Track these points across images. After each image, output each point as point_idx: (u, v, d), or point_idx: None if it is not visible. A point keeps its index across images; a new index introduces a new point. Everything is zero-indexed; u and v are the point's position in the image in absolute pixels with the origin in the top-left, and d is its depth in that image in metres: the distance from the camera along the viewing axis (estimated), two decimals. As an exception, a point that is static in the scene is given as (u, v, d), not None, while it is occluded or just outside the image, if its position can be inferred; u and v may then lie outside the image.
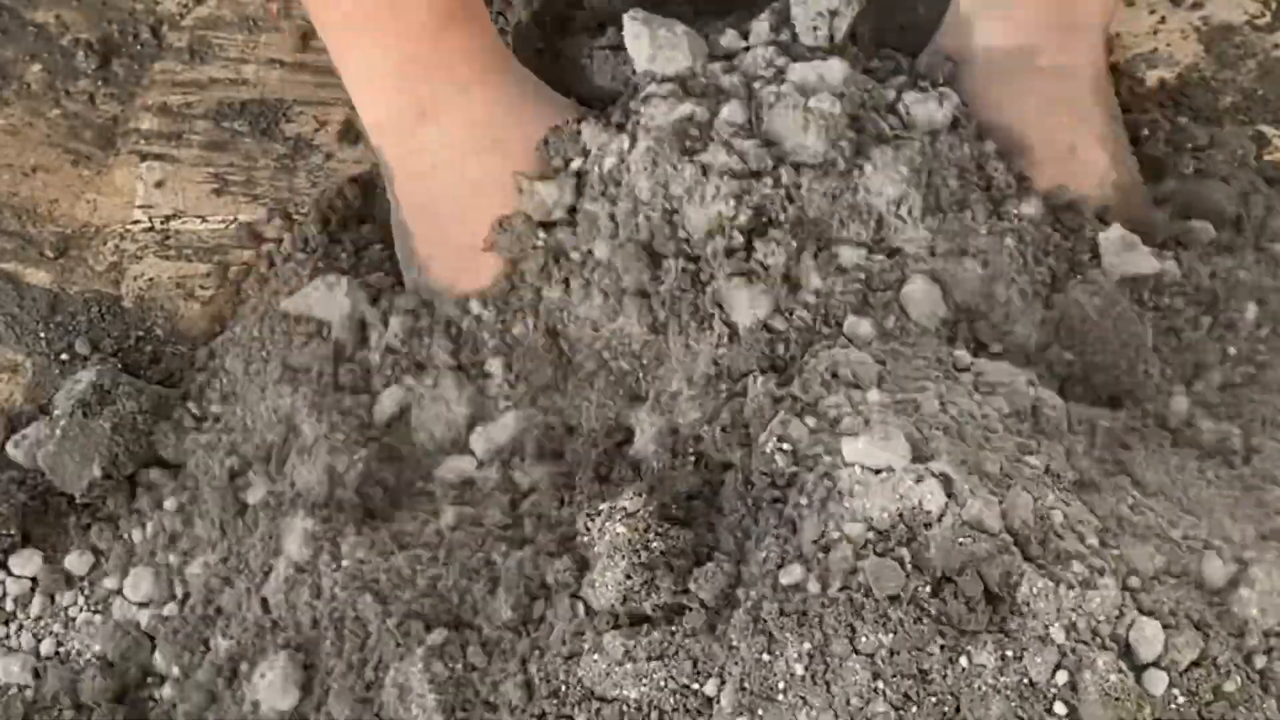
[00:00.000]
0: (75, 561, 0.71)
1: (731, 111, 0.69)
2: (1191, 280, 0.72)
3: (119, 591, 0.70)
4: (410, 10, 0.69)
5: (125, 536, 0.72)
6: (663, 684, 0.56)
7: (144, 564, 0.70)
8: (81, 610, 0.70)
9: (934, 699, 0.53)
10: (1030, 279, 0.69)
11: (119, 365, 0.76)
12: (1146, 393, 0.69)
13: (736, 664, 0.55)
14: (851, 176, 0.67)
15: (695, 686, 0.56)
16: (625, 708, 0.56)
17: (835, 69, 0.70)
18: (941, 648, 0.54)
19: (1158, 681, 0.54)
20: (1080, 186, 0.73)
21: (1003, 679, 0.54)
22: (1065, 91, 0.75)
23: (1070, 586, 0.56)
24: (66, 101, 0.83)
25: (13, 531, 0.71)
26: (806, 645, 0.55)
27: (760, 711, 0.54)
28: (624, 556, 0.58)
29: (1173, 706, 0.54)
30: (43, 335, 0.78)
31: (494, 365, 0.71)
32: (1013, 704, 0.53)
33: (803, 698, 0.54)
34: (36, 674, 0.69)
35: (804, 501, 0.57)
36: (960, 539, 0.55)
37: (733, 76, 0.71)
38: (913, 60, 0.76)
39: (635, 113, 0.70)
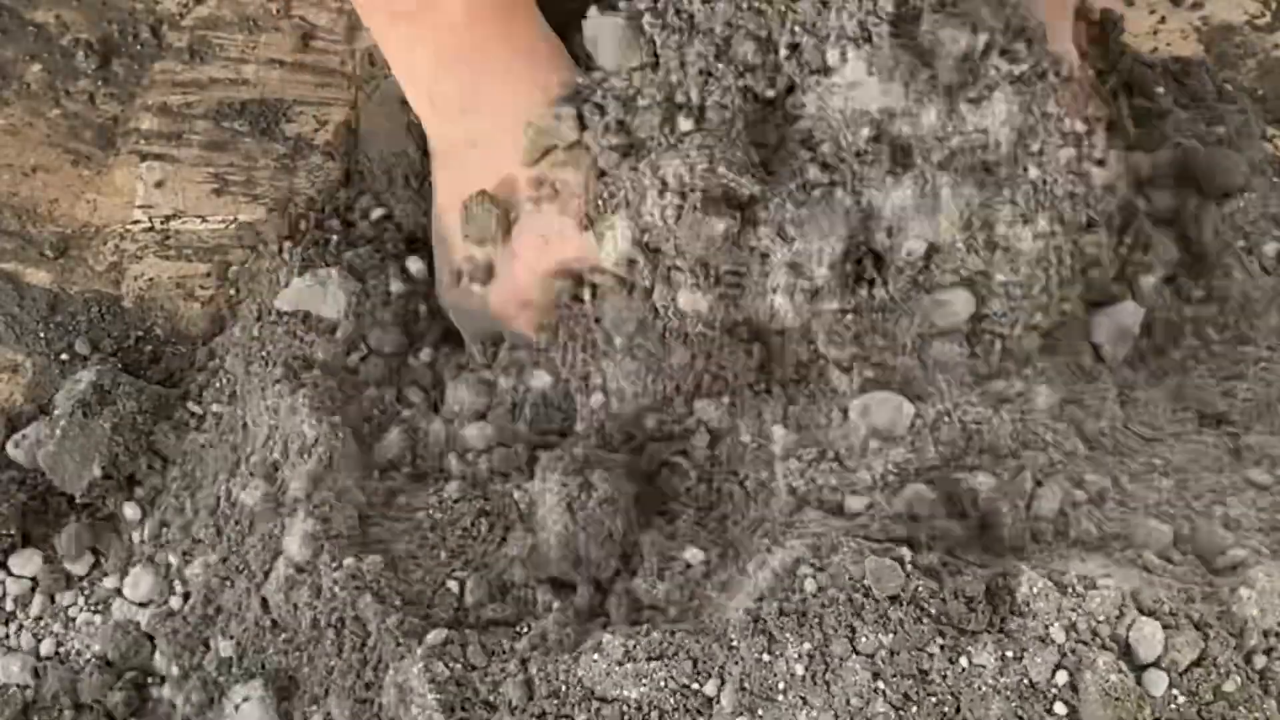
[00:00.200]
0: (75, 561, 0.71)
1: None
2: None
3: (119, 591, 0.70)
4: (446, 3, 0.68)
5: (125, 536, 0.72)
6: (663, 684, 0.56)
7: (144, 564, 0.70)
8: (81, 610, 0.70)
9: (934, 699, 0.53)
10: None
11: (119, 365, 0.76)
12: None
13: (736, 664, 0.55)
14: None
15: (695, 686, 0.56)
16: (625, 708, 0.56)
17: None
18: (941, 648, 0.54)
19: (1158, 681, 0.54)
20: None
21: (1003, 679, 0.54)
22: None
23: (1070, 588, 0.56)
24: (66, 101, 0.83)
25: (13, 531, 0.71)
26: (806, 645, 0.55)
27: (760, 711, 0.54)
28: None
29: (1173, 706, 0.54)
30: (43, 335, 0.78)
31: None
32: (1013, 704, 0.53)
33: (803, 698, 0.54)
34: (36, 674, 0.69)
35: None
36: None
37: None
38: None
39: None
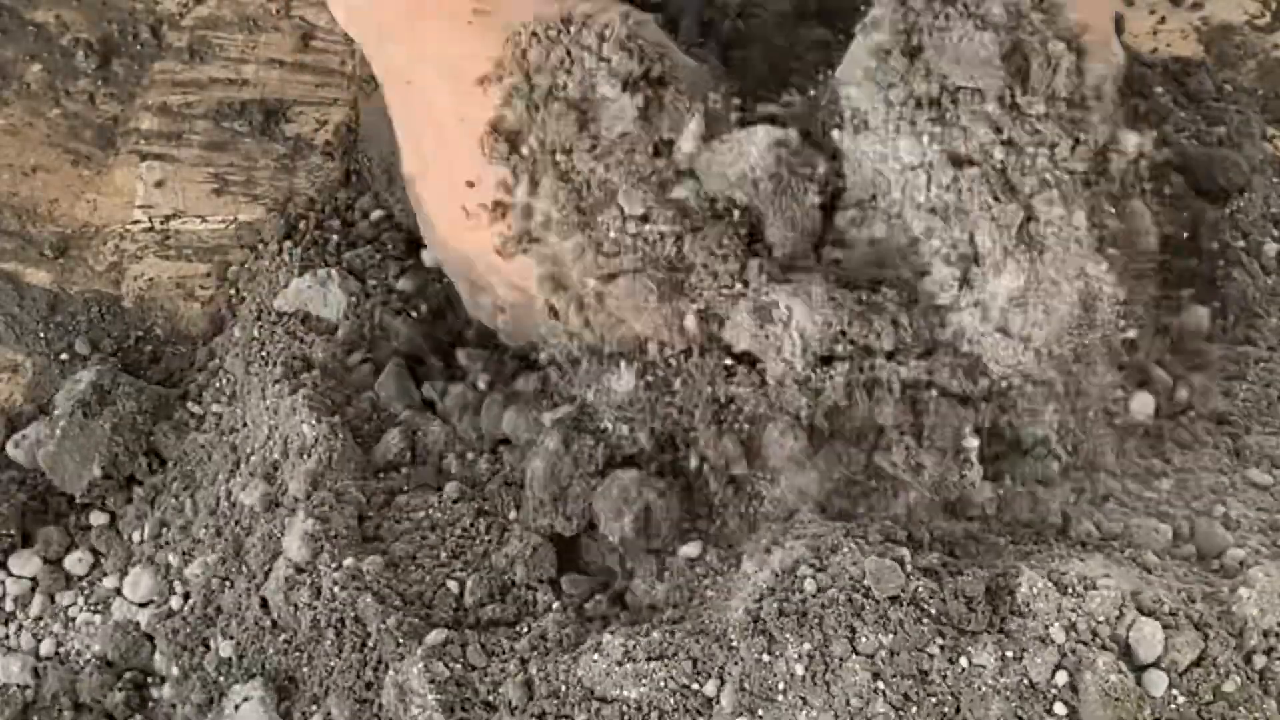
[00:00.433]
0: (75, 561, 0.71)
1: None
2: None
3: (119, 591, 0.70)
4: None
5: (125, 536, 0.72)
6: (663, 684, 0.56)
7: (144, 564, 0.70)
8: (81, 610, 0.70)
9: (934, 699, 0.53)
10: None
11: (119, 365, 0.76)
12: None
13: (736, 664, 0.55)
14: None
15: (695, 686, 0.56)
16: (625, 708, 0.56)
17: None
18: (941, 648, 0.54)
19: (1158, 682, 0.54)
20: None
21: (1003, 679, 0.54)
22: None
23: (1070, 588, 0.56)
24: (66, 101, 0.83)
25: (13, 531, 0.71)
26: (806, 645, 0.55)
27: (760, 711, 0.54)
28: None
29: (1173, 707, 0.54)
30: (43, 335, 0.78)
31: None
32: (1013, 704, 0.53)
33: (803, 698, 0.54)
34: (36, 674, 0.69)
35: None
36: None
37: None
38: None
39: None
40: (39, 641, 0.70)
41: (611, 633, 0.58)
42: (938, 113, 0.63)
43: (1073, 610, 0.55)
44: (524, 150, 0.66)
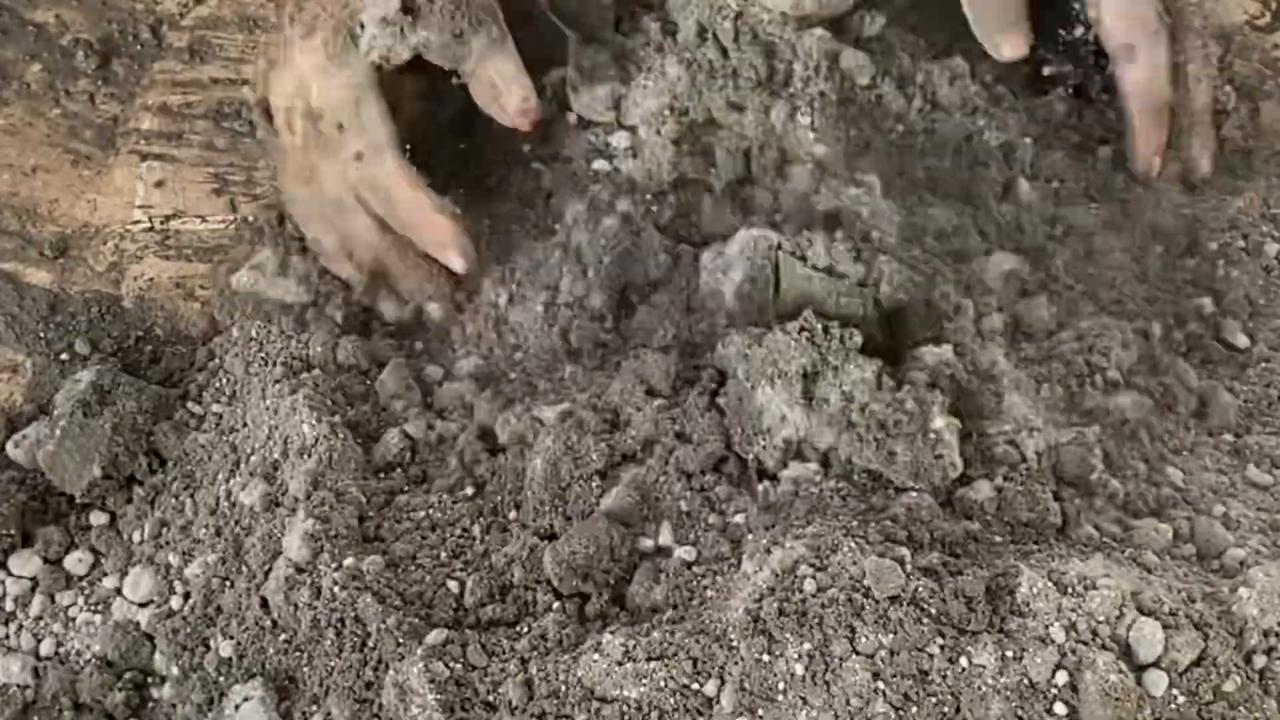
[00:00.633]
0: (75, 561, 0.71)
1: None
2: None
3: (119, 591, 0.70)
4: None
5: (125, 536, 0.72)
6: (663, 684, 0.56)
7: (144, 564, 0.70)
8: (81, 610, 0.70)
9: (934, 699, 0.53)
10: None
11: (119, 365, 0.76)
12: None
13: (736, 664, 0.55)
14: None
15: (695, 686, 0.56)
16: (625, 708, 0.56)
17: None
18: (941, 648, 0.54)
19: (1158, 681, 0.54)
20: None
21: (1003, 679, 0.54)
22: None
23: (1070, 588, 0.56)
24: (66, 101, 0.83)
25: (13, 531, 0.71)
26: (806, 645, 0.55)
27: (760, 711, 0.54)
28: None
29: (1173, 706, 0.54)
30: (43, 335, 0.78)
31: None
32: (1013, 704, 0.53)
33: (803, 698, 0.54)
34: (36, 674, 0.69)
35: None
36: None
37: None
38: None
39: None
40: (39, 641, 0.70)
41: (611, 633, 0.58)
42: None
43: (1073, 610, 0.55)
44: None
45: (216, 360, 0.76)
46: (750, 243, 0.69)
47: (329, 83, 0.73)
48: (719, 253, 0.71)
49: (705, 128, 0.75)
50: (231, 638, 0.66)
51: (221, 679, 0.65)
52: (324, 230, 0.76)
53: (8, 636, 0.70)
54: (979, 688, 0.53)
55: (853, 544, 0.57)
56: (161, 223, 0.81)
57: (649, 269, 0.73)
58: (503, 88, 0.72)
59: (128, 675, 0.67)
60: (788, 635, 0.55)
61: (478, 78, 0.72)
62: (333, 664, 0.62)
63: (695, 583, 0.61)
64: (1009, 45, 0.74)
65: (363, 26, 0.70)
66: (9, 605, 0.71)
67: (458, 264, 0.74)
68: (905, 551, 0.57)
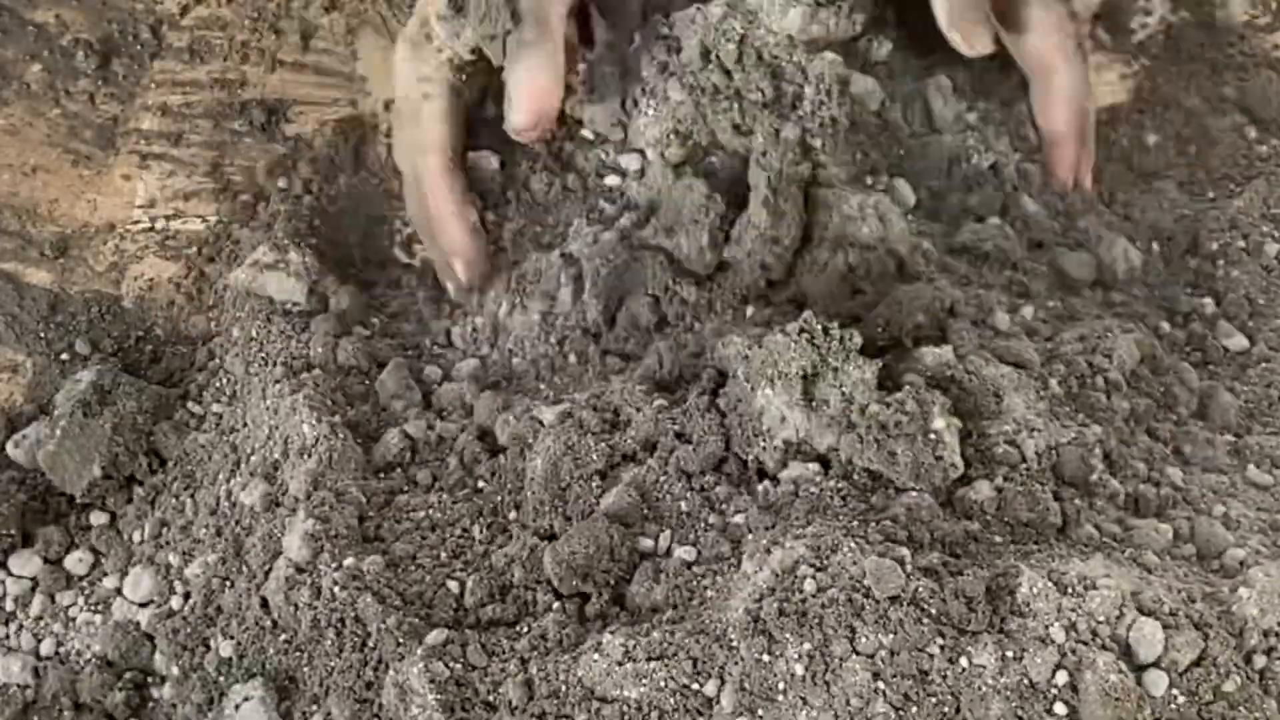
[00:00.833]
0: (75, 561, 0.71)
1: None
2: None
3: (119, 591, 0.70)
4: None
5: (125, 536, 0.72)
6: (663, 684, 0.56)
7: (144, 564, 0.70)
8: (81, 610, 0.70)
9: (934, 699, 0.53)
10: None
11: (119, 365, 0.76)
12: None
13: (736, 664, 0.55)
14: None
15: (695, 686, 0.56)
16: (625, 708, 0.56)
17: None
18: (941, 648, 0.54)
19: (1158, 681, 0.54)
20: None
21: (1003, 679, 0.54)
22: None
23: (1070, 588, 0.56)
24: (66, 101, 0.83)
25: (13, 531, 0.71)
26: (806, 645, 0.55)
27: (760, 711, 0.54)
28: None
29: (1173, 706, 0.54)
30: (43, 335, 0.78)
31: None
32: (1013, 704, 0.53)
33: (803, 698, 0.54)
34: (36, 674, 0.69)
35: None
36: None
37: None
38: None
39: None
40: (39, 641, 0.70)
41: (611, 633, 0.58)
42: None
43: (1073, 610, 0.55)
44: None
45: (216, 360, 0.76)
46: None
47: (405, 72, 0.74)
48: None
49: (711, 151, 0.75)
50: (231, 638, 0.66)
51: (221, 679, 0.65)
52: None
53: (8, 636, 0.70)
54: (979, 688, 0.53)
55: (853, 544, 0.57)
56: (161, 223, 0.81)
57: (648, 287, 0.73)
58: (511, 98, 0.71)
59: (128, 675, 0.67)
60: (788, 635, 0.55)
61: (505, 81, 0.72)
62: (333, 664, 0.62)
63: (695, 583, 0.61)
64: (976, 40, 0.73)
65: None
66: (9, 605, 0.71)
67: (455, 279, 0.76)
68: (905, 551, 0.57)
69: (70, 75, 0.84)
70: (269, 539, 0.66)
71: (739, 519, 0.63)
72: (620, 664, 0.57)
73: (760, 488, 0.64)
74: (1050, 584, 0.56)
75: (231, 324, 0.77)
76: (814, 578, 0.56)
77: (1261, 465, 0.68)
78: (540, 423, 0.68)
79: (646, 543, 0.63)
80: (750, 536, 0.62)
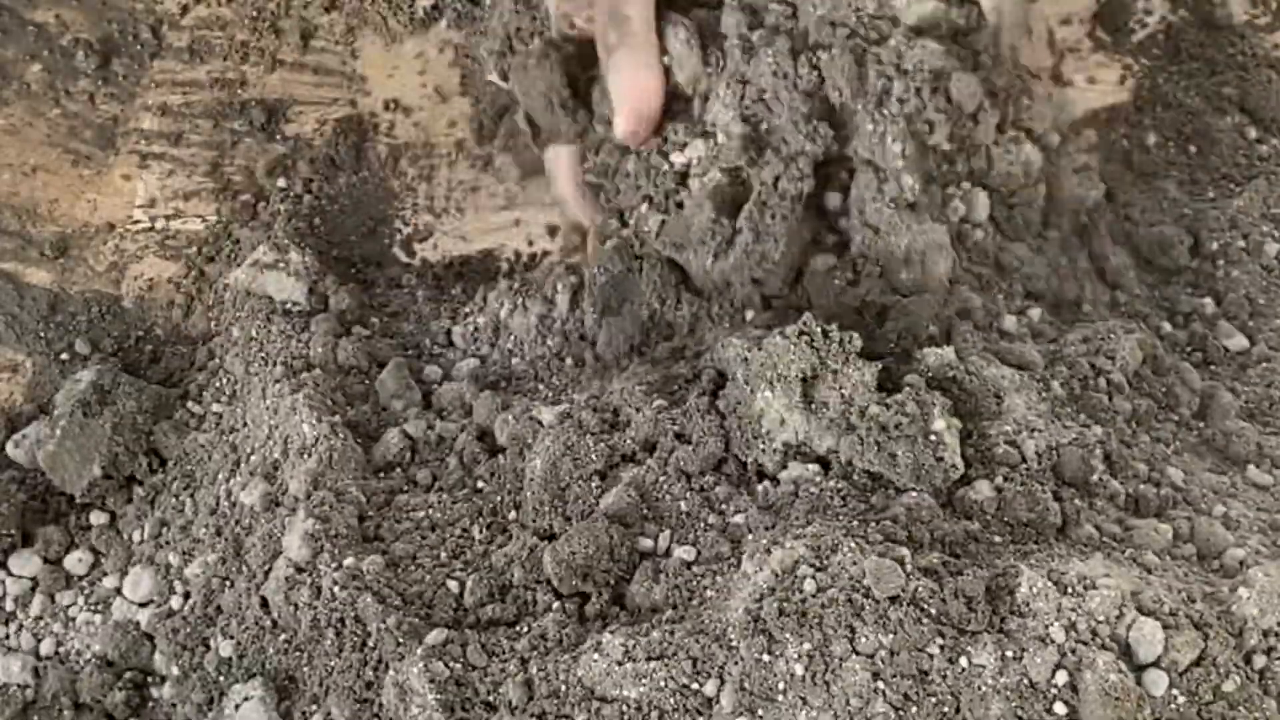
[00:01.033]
0: (75, 561, 0.71)
1: None
2: None
3: (119, 591, 0.70)
4: None
5: (125, 536, 0.72)
6: (663, 684, 0.56)
7: (144, 564, 0.70)
8: (81, 610, 0.70)
9: (934, 699, 0.53)
10: None
11: (119, 365, 0.76)
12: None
13: (736, 664, 0.55)
14: None
15: (695, 686, 0.56)
16: (625, 708, 0.56)
17: None
18: (941, 648, 0.54)
19: (1158, 681, 0.54)
20: None
21: (1003, 679, 0.54)
22: None
23: (1070, 588, 0.56)
24: (66, 101, 0.83)
25: (13, 531, 0.71)
26: (806, 645, 0.55)
27: (760, 711, 0.54)
28: None
29: (1173, 706, 0.54)
30: (43, 335, 0.78)
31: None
32: (1013, 704, 0.53)
33: (803, 698, 0.54)
34: (36, 674, 0.69)
35: None
36: None
37: None
38: None
39: None
40: (39, 641, 0.70)
41: (611, 633, 0.58)
42: None
43: (1073, 610, 0.55)
44: None
45: (216, 360, 0.76)
46: None
47: None
48: None
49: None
50: (231, 637, 0.66)
51: (221, 679, 0.65)
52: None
53: (8, 636, 0.70)
54: (979, 688, 0.53)
55: (853, 544, 0.57)
56: (162, 223, 0.82)
57: (646, 296, 0.73)
58: (614, 104, 0.70)
59: (128, 675, 0.68)
60: (788, 635, 0.55)
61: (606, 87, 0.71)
62: (333, 664, 0.62)
63: (695, 583, 0.61)
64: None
65: None
66: (9, 605, 0.71)
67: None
68: (905, 551, 0.57)
69: (70, 75, 0.84)
70: (269, 539, 0.66)
71: (739, 519, 0.63)
72: (620, 664, 0.57)
73: (760, 488, 0.64)
74: (1050, 584, 0.56)
75: (231, 324, 0.77)
76: (814, 578, 0.56)
77: (1261, 465, 0.68)
78: (540, 423, 0.68)
79: (646, 543, 0.63)
80: (750, 536, 0.62)
